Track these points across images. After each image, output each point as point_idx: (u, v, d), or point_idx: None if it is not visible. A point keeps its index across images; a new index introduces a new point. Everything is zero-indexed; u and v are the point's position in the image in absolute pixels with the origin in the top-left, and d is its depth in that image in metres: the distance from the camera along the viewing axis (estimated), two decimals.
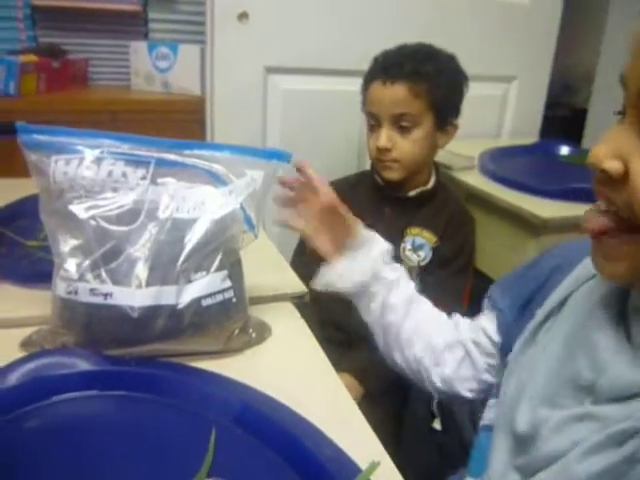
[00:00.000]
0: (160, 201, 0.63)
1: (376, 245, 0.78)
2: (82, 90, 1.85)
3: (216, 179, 0.67)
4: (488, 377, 0.69)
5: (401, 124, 1.14)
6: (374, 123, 1.19)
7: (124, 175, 0.62)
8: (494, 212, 1.31)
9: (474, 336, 0.70)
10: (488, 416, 0.60)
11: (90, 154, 0.62)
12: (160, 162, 0.64)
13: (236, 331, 0.68)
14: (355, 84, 1.22)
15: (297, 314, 0.81)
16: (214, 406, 0.56)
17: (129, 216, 0.62)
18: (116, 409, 0.57)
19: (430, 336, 0.74)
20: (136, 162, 0.63)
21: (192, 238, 0.64)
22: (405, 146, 1.16)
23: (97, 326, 0.62)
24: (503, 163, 1.44)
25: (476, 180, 1.38)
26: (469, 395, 0.71)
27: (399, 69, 1.13)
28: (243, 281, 0.70)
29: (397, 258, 1.21)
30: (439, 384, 0.73)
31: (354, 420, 0.59)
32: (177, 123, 1.72)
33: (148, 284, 0.62)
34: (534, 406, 0.50)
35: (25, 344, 0.66)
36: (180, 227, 0.64)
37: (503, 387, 0.57)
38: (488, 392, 0.67)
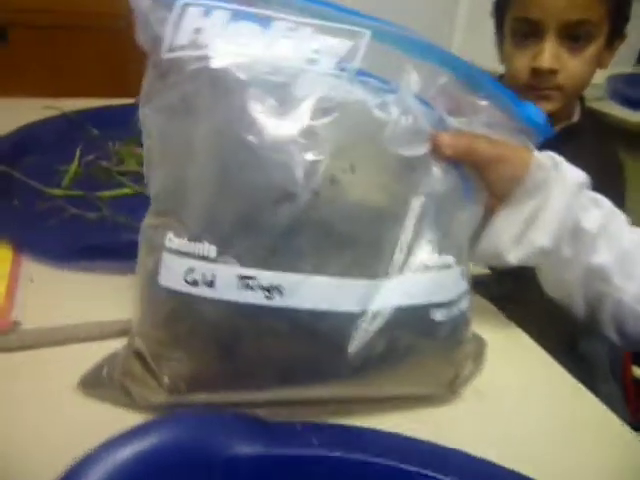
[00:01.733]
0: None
1: (559, 183, 0.47)
2: None
3: None
4: None
5: (576, 35, 0.83)
6: (528, 34, 0.86)
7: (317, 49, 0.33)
8: None
9: None
10: None
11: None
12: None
13: (467, 362, 0.38)
14: None
15: (500, 314, 0.51)
16: None
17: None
18: None
19: None
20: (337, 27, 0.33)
21: (430, 193, 0.36)
22: (575, 67, 0.84)
23: (248, 346, 0.33)
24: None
25: (617, 111, 1.07)
26: None
27: None
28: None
29: None
30: None
31: None
32: None
33: (347, 273, 0.33)
34: None
35: (89, 385, 0.35)
36: (407, 164, 0.35)
37: None
38: None
